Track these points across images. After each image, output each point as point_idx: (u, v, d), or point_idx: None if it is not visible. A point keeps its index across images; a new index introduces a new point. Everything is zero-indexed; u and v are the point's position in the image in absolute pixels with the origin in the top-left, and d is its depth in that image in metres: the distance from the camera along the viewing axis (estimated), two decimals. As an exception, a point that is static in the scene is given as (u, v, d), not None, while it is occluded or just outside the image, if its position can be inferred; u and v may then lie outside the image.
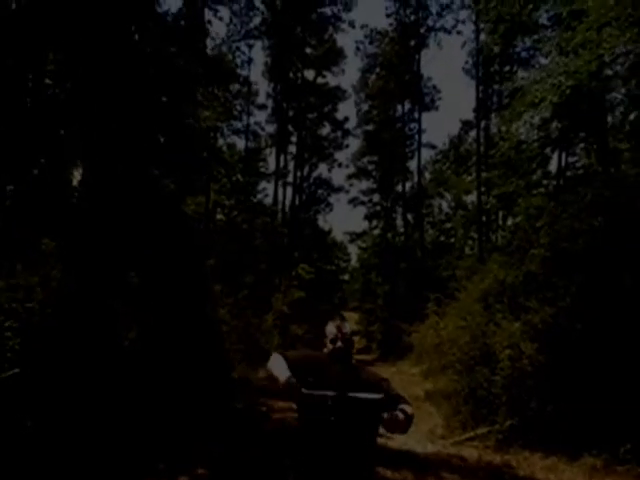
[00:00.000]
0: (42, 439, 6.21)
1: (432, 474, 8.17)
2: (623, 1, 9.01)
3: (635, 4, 8.72)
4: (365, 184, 40.08)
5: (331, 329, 3.32)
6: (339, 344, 3.26)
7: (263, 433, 9.71)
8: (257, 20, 31.56)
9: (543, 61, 17.03)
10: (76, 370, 7.29)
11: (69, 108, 9.68)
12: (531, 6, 12.68)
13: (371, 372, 3.42)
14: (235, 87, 32.76)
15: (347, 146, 39.96)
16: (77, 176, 10.51)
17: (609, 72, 10.66)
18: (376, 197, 39.41)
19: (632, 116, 12.32)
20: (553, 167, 19.62)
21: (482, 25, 24.15)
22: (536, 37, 14.89)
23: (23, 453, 5.90)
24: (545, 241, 10.93)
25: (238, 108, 33.61)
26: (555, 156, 18.26)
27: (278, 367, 3.18)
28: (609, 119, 13.58)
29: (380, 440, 9.56)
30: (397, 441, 10.29)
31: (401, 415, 2.99)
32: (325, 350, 3.32)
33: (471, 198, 32.45)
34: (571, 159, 18.58)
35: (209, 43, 24.20)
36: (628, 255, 9.16)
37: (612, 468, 7.81)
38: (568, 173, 17.89)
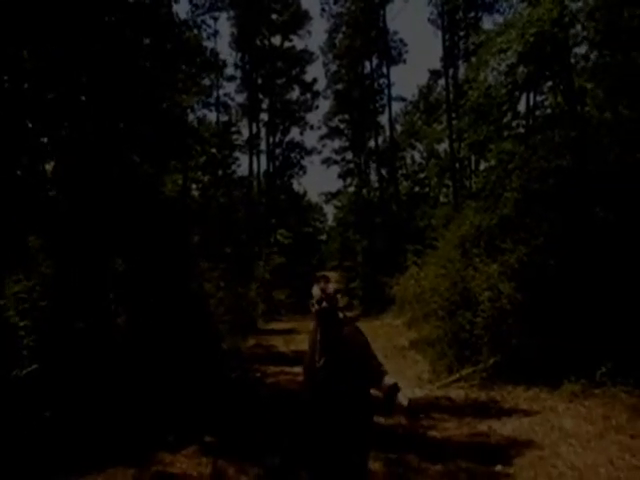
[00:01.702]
0: (60, 425, 6.49)
1: (423, 416, 8.46)
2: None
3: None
4: (337, 143, 40.23)
5: (316, 291, 3.48)
6: (324, 304, 3.44)
7: (259, 397, 9.95)
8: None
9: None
10: (80, 359, 7.53)
11: (36, 99, 9.56)
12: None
13: (352, 331, 3.66)
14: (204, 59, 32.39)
15: (317, 107, 40.14)
16: (49, 168, 10.44)
17: (570, 16, 10.71)
18: (349, 155, 39.60)
19: (592, 56, 12.44)
20: (523, 108, 19.84)
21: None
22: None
23: (44, 439, 6.18)
24: (517, 184, 11.17)
25: (207, 82, 33.25)
26: (524, 98, 18.46)
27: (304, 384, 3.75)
28: (573, 60, 13.69)
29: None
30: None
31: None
32: (312, 310, 3.51)
33: (443, 146, 32.67)
34: (539, 98, 18.74)
35: (175, 18, 23.75)
36: (595, 191, 9.43)
37: (590, 392, 8.22)
38: (537, 112, 18.07)
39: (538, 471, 5.82)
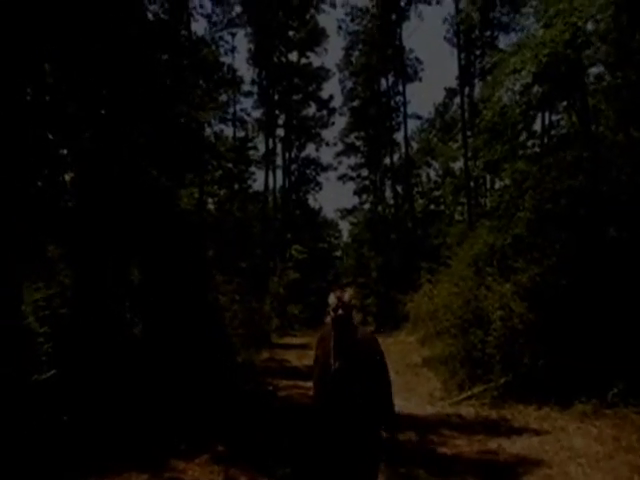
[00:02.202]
0: (77, 429, 6.70)
1: (432, 432, 8.56)
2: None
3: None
4: (353, 160, 40.48)
5: (332, 299, 3.69)
6: (340, 312, 3.65)
7: (271, 410, 10.05)
8: (238, 8, 31.57)
9: (526, 22, 17.27)
10: (96, 366, 7.75)
11: (57, 112, 9.80)
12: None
13: (366, 335, 3.94)
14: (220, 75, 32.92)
15: (333, 124, 40.30)
16: (68, 179, 10.66)
17: (584, 38, 10.86)
18: (365, 172, 39.79)
19: (607, 77, 12.59)
20: (539, 127, 19.91)
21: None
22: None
23: (61, 443, 6.36)
24: (529, 204, 11.25)
25: (224, 98, 33.75)
26: (540, 117, 18.56)
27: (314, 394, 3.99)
28: (587, 80, 13.81)
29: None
30: (397, 405, 10.66)
31: None
32: (328, 318, 3.74)
33: (459, 165, 32.75)
34: (555, 117, 18.85)
35: (193, 35, 24.31)
36: (608, 212, 9.50)
37: (601, 412, 8.27)
38: (553, 132, 18.16)
39: (546, 490, 5.88)
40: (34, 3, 8.43)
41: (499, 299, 10.79)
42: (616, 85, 11.37)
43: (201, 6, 28.99)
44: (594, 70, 13.92)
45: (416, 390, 12.29)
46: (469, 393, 10.70)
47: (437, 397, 11.31)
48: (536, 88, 14.51)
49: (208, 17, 29.68)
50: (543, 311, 9.94)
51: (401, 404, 10.61)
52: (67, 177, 10.47)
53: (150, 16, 12.36)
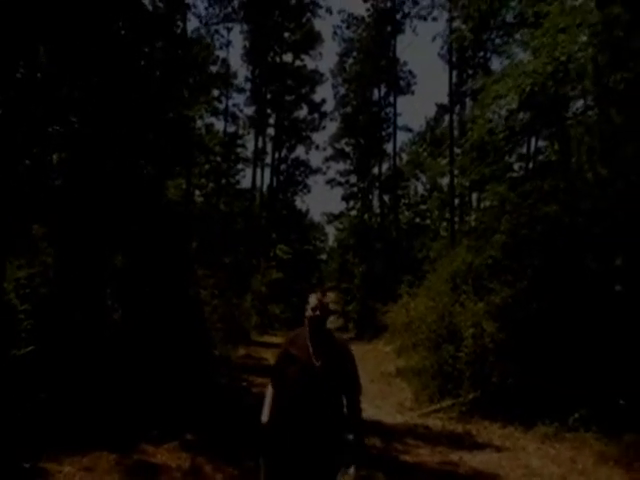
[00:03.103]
0: (52, 407, 6.98)
1: (398, 441, 8.97)
2: (577, 10, 9.75)
3: (585, 13, 9.46)
4: (342, 166, 40.87)
5: (313, 299, 3.82)
6: (317, 312, 3.77)
7: (243, 405, 10.27)
8: (235, 3, 31.76)
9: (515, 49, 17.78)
10: (74, 347, 7.97)
11: (49, 92, 9.98)
12: (498, 5, 13.39)
13: (340, 339, 4.08)
14: (214, 69, 33.21)
15: (324, 128, 40.71)
16: (56, 159, 10.82)
17: (563, 73, 11.34)
18: (353, 178, 40.16)
19: (590, 113, 13.08)
20: (525, 151, 20.34)
21: (455, 13, 24.71)
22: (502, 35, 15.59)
23: (36, 419, 6.64)
24: (506, 228, 11.73)
25: (216, 93, 33.98)
26: (528, 141, 18.99)
27: (264, 407, 4.00)
28: (570, 112, 14.31)
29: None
30: (367, 412, 11.09)
31: None
32: (306, 315, 3.82)
33: (446, 180, 33.23)
34: (541, 143, 19.34)
35: (189, 25, 24.43)
36: (580, 241, 10.00)
37: (561, 435, 8.67)
38: (540, 157, 18.64)
39: (498, 503, 6.31)
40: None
41: (472, 317, 11.20)
42: (596, 121, 11.84)
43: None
44: (579, 102, 14.45)
45: (388, 399, 12.71)
46: (438, 406, 11.13)
47: (407, 407, 11.75)
48: (521, 114, 15.06)
49: (205, 9, 29.75)
50: (513, 332, 10.37)
51: (372, 412, 11.09)
52: (55, 157, 10.69)
53: (148, 4, 12.52)
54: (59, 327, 7.87)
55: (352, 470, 3.63)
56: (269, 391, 4.03)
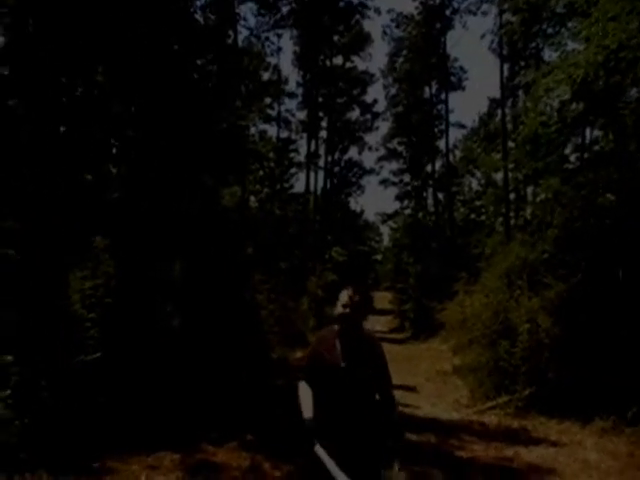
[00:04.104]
0: (117, 410, 7.31)
1: (454, 437, 8.97)
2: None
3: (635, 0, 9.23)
4: (395, 165, 40.56)
5: (343, 296, 3.56)
6: (347, 310, 3.51)
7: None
8: (285, 10, 32.07)
9: (566, 40, 17.47)
10: (137, 353, 8.33)
11: (106, 108, 10.36)
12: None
13: (369, 335, 3.77)
14: (266, 76, 33.70)
15: (377, 128, 40.46)
16: (114, 172, 11.21)
17: (618, 58, 11.05)
18: (406, 177, 39.81)
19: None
20: (579, 142, 19.85)
21: (505, 6, 24.34)
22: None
23: (101, 421, 6.97)
24: (559, 221, 11.53)
25: (268, 100, 34.46)
26: (582, 131, 18.55)
27: (303, 402, 3.70)
28: (628, 98, 13.93)
29: (407, 410, 10.38)
30: (424, 410, 11.16)
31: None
32: (335, 312, 3.59)
33: (500, 175, 32.62)
34: (597, 134, 18.82)
35: (239, 36, 24.95)
36: (636, 231, 9.75)
37: (620, 429, 8.53)
38: (596, 147, 18.18)
39: (553, 496, 6.26)
40: (92, 11, 9.04)
41: (526, 312, 11.09)
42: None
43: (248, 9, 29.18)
44: (632, 91, 14.04)
45: (444, 397, 12.69)
46: (494, 403, 11.05)
47: (463, 404, 11.71)
48: (574, 105, 14.75)
49: (255, 18, 30.15)
50: (568, 327, 10.23)
51: (428, 409, 11.11)
52: (114, 171, 11.09)
53: (199, 17, 12.85)
54: (122, 335, 8.19)
55: (396, 466, 3.41)
56: (303, 386, 3.78)
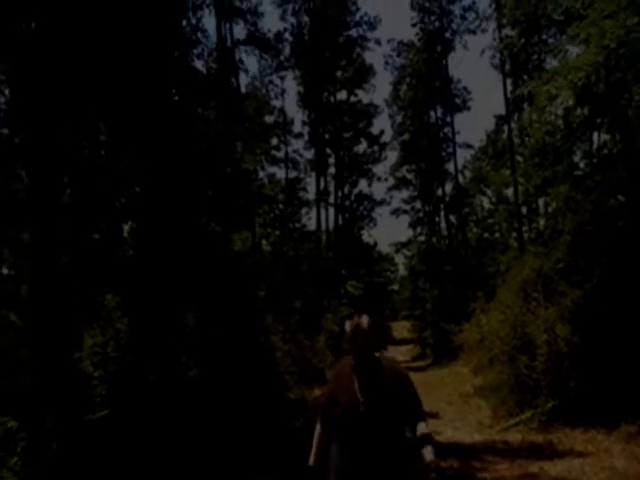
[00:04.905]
0: (134, 466, 7.07)
1: (476, 459, 8.62)
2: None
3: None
4: (405, 193, 40.37)
5: (348, 327, 3.29)
6: (358, 341, 3.21)
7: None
8: (286, 52, 32.50)
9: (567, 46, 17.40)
10: (150, 408, 8.06)
11: (112, 166, 10.39)
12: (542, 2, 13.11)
13: (391, 366, 3.37)
14: (271, 119, 33.95)
15: (385, 158, 40.29)
16: (126, 228, 11.22)
17: (618, 56, 10.85)
18: (418, 204, 39.60)
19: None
20: (589, 146, 19.56)
21: (503, 21, 24.40)
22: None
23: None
24: (570, 227, 11.22)
25: (275, 141, 34.71)
26: (590, 137, 18.30)
27: (313, 447, 3.56)
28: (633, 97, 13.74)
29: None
30: (446, 434, 10.73)
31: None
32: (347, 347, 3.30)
33: (511, 191, 32.22)
34: (605, 137, 18.54)
35: (242, 80, 25.30)
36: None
37: (647, 433, 8.09)
38: (605, 151, 17.89)
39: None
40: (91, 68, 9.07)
41: (544, 323, 10.77)
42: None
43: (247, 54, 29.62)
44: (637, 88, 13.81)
45: (466, 419, 12.28)
46: (517, 419, 10.65)
47: (486, 425, 11.31)
48: (579, 110, 14.54)
49: (258, 62, 30.60)
50: (587, 334, 9.88)
51: (450, 434, 10.70)
52: (126, 227, 11.09)
53: (201, 67, 12.94)
54: (134, 389, 8.00)
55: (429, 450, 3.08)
56: (317, 431, 3.56)
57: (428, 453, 3.08)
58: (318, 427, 3.54)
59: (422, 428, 3.18)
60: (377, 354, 3.34)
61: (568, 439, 8.90)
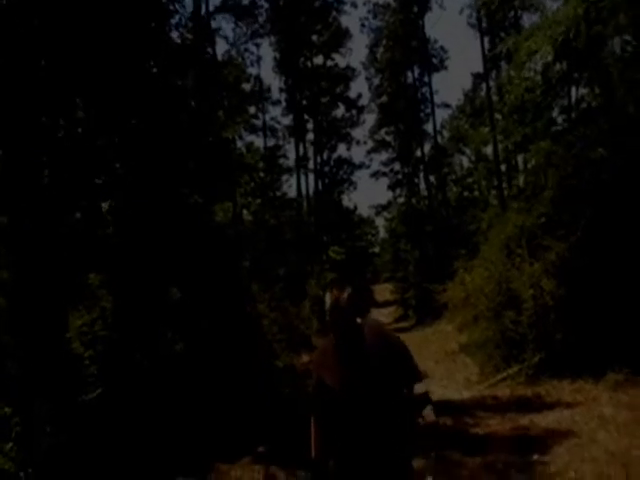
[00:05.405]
0: (125, 442, 7.05)
1: (467, 415, 8.74)
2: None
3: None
4: (385, 155, 40.12)
5: (326, 300, 3.00)
6: (334, 314, 2.95)
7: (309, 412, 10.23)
8: (262, 19, 31.58)
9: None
10: (140, 384, 8.05)
11: (89, 143, 10.14)
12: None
13: (378, 335, 3.07)
14: (248, 87, 33.42)
15: (363, 122, 40.06)
16: (104, 206, 11.02)
17: (598, 8, 10.75)
18: (397, 166, 39.40)
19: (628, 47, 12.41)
20: (568, 101, 19.51)
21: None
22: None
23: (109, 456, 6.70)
24: (553, 182, 11.22)
25: (253, 109, 34.25)
26: (569, 91, 18.25)
27: (313, 439, 3.19)
28: (612, 50, 13.68)
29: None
30: (436, 393, 10.80)
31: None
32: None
33: (490, 149, 32.23)
34: (583, 91, 18.48)
35: (219, 49, 24.78)
36: (630, 181, 9.45)
37: (634, 380, 8.28)
38: (583, 105, 17.83)
39: (573, 457, 5.96)
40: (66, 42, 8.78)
41: (529, 278, 10.80)
42: (635, 52, 11.23)
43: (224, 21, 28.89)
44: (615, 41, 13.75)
45: (454, 377, 12.40)
46: (505, 374, 10.75)
47: (474, 381, 11.44)
48: (557, 66, 14.45)
49: (233, 31, 29.94)
50: (573, 286, 9.95)
51: (439, 392, 10.79)
52: (105, 205, 10.88)
53: (176, 37, 12.61)
54: (124, 367, 7.97)
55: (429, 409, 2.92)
56: (313, 422, 3.22)
57: (429, 413, 2.92)
58: (313, 419, 3.21)
59: (420, 388, 2.97)
60: (359, 320, 3.05)
61: (556, 391, 9.02)
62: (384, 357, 2.90)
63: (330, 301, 2.94)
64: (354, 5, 36.37)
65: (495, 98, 27.32)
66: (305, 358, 17.68)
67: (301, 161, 34.54)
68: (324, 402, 3.03)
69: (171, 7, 12.33)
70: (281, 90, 35.94)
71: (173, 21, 13.15)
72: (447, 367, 13.77)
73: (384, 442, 2.87)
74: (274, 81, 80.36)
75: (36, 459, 6.02)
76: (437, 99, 50.90)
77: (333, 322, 2.95)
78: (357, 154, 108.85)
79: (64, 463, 6.21)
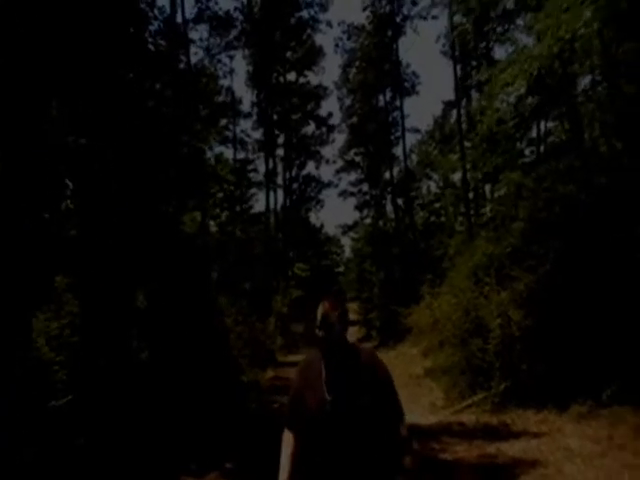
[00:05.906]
0: (92, 452, 6.95)
1: (434, 440, 8.75)
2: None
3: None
4: (353, 175, 40.49)
5: (319, 312, 2.88)
6: (328, 329, 2.84)
7: (275, 427, 10.19)
8: (236, 32, 31.67)
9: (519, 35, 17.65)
10: (105, 392, 7.94)
11: (60, 144, 10.02)
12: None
13: (368, 354, 3.03)
14: (219, 98, 33.37)
15: (333, 141, 40.77)
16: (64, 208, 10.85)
17: (572, 48, 11.14)
18: (365, 187, 39.80)
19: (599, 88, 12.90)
20: (536, 133, 20.01)
21: (455, 8, 24.59)
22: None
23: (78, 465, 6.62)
24: (524, 214, 11.50)
25: (224, 121, 34.15)
26: (536, 124, 18.75)
27: (282, 459, 3.02)
28: (581, 88, 14.15)
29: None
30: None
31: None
32: (317, 334, 2.89)
33: (458, 176, 32.70)
34: (551, 124, 19.01)
35: (192, 58, 24.73)
36: (600, 218, 9.73)
37: (596, 412, 8.46)
38: (551, 138, 18.33)
39: (540, 488, 6.07)
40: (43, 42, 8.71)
41: (497, 307, 10.98)
42: (606, 94, 11.65)
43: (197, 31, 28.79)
44: (586, 79, 14.25)
45: (419, 401, 12.46)
46: (470, 401, 10.88)
47: (439, 406, 11.51)
48: (530, 99, 14.91)
49: (207, 40, 29.88)
50: (539, 317, 10.15)
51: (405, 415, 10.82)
52: (65, 207, 10.68)
53: (151, 47, 12.57)
54: (91, 374, 7.89)
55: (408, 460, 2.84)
56: (286, 438, 3.06)
57: (408, 463, 2.84)
58: (286, 434, 3.06)
59: (402, 431, 2.88)
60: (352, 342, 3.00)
61: (521, 420, 9.16)
62: (373, 387, 2.82)
63: (322, 315, 2.85)
64: (329, 24, 36.86)
65: (464, 127, 27.83)
66: (270, 374, 17.65)
67: (270, 176, 34.56)
68: (299, 421, 2.94)
69: (150, 14, 12.36)
70: (253, 104, 35.97)
71: (152, 27, 13.18)
72: (412, 391, 13.82)
73: (358, 468, 2.78)
74: (246, 94, 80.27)
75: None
76: (407, 123, 51.79)
77: (322, 337, 2.84)
78: (326, 173, 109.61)
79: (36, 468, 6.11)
